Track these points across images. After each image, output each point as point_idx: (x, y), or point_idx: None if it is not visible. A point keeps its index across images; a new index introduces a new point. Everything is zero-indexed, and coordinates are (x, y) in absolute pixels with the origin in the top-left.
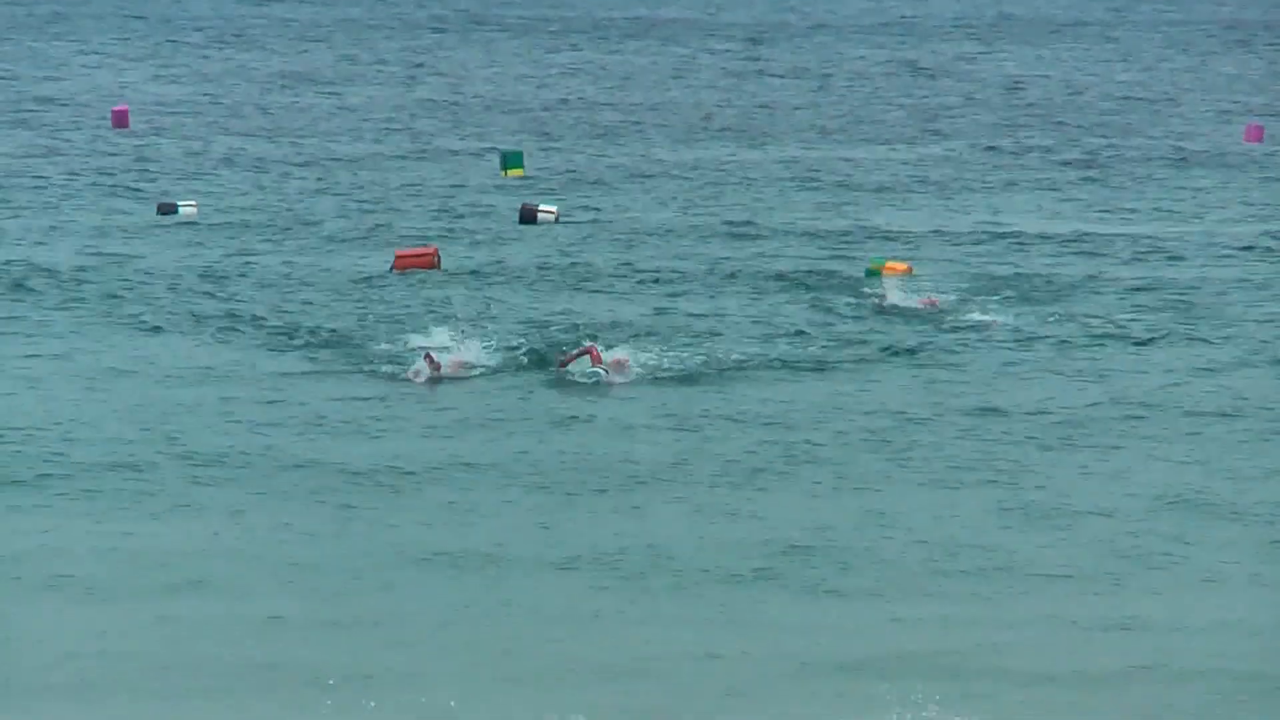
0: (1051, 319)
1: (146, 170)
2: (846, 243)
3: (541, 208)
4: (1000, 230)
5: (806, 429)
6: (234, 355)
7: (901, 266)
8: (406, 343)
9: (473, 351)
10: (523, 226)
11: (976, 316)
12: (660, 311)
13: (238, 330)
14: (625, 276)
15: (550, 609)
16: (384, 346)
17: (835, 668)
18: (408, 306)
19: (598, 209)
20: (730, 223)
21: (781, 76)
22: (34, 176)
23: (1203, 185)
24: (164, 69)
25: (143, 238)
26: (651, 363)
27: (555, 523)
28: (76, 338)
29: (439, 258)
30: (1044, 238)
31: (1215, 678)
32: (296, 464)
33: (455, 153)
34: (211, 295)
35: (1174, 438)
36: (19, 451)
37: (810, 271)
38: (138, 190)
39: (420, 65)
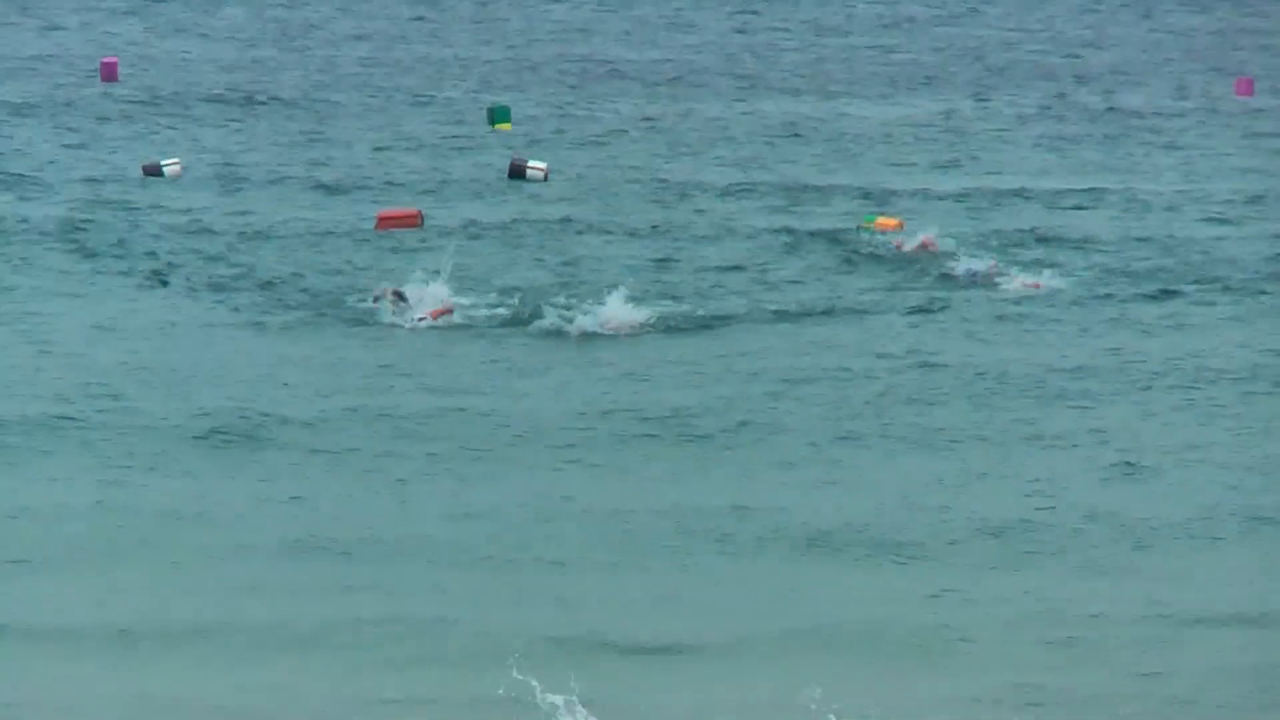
0: (1047, 273)
1: (133, 125)
2: (840, 197)
3: (531, 164)
4: (993, 185)
5: (800, 382)
6: (217, 312)
7: (893, 222)
8: (387, 294)
9: (453, 300)
10: (511, 181)
11: (969, 268)
12: (651, 266)
13: (224, 289)
14: (613, 232)
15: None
16: (367, 302)
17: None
18: (391, 262)
19: (588, 164)
20: (723, 178)
21: (777, 29)
22: (17, 130)
23: (1195, 139)
24: (155, 20)
25: (127, 194)
26: (642, 318)
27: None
28: (57, 296)
29: (423, 219)
30: (1037, 193)
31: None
32: (283, 420)
33: (445, 106)
34: (194, 252)
35: (1169, 396)
36: None
37: (802, 228)
38: (124, 146)
39: (419, 19)
